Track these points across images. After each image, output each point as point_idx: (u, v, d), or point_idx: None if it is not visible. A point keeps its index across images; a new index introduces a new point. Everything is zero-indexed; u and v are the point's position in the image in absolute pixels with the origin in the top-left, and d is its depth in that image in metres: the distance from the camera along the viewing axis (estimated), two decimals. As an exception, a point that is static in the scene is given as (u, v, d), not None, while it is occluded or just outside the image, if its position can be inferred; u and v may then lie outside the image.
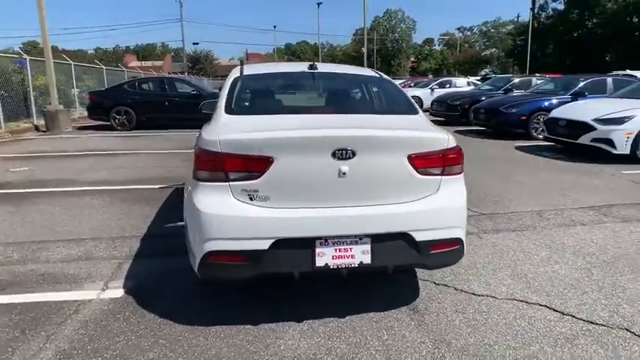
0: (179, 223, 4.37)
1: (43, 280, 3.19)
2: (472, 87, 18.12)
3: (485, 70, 67.36)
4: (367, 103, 3.48)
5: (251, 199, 2.37)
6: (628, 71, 13.56)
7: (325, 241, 2.39)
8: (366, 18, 26.50)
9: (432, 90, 18.66)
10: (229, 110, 2.83)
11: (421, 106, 18.42)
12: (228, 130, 2.47)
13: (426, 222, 2.50)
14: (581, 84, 10.31)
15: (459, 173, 2.64)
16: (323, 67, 3.50)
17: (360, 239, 2.42)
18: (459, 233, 2.61)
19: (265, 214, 2.35)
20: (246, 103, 3.27)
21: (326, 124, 2.56)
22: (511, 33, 64.01)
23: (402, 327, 2.60)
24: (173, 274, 3.25)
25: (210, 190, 2.40)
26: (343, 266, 2.42)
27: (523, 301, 2.90)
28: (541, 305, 2.84)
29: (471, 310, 2.80)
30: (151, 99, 12.87)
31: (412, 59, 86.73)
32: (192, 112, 12.55)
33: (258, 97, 3.43)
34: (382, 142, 2.47)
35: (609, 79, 10.54)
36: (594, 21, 42.65)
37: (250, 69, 3.42)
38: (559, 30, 46.61)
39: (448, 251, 2.60)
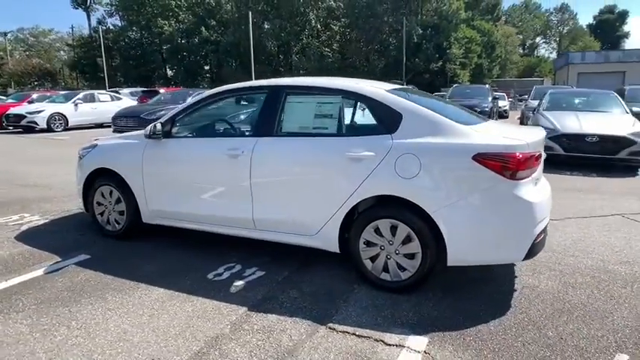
0: (239, 282, 3.27)
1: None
2: (123, 100, 17.46)
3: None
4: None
5: (535, 185, 2.98)
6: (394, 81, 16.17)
7: None
8: None
9: (76, 105, 16.28)
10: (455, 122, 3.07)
11: (67, 124, 15.76)
12: (516, 135, 2.97)
13: None
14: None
15: None
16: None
17: None
18: None
19: (546, 195, 3.08)
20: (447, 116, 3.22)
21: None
22: (70, 44, 60.38)
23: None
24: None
25: (528, 185, 2.86)
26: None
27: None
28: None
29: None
30: None
31: None
32: None
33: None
34: None
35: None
36: (154, 39, 47.75)
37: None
38: (122, 45, 49.04)
39: None
